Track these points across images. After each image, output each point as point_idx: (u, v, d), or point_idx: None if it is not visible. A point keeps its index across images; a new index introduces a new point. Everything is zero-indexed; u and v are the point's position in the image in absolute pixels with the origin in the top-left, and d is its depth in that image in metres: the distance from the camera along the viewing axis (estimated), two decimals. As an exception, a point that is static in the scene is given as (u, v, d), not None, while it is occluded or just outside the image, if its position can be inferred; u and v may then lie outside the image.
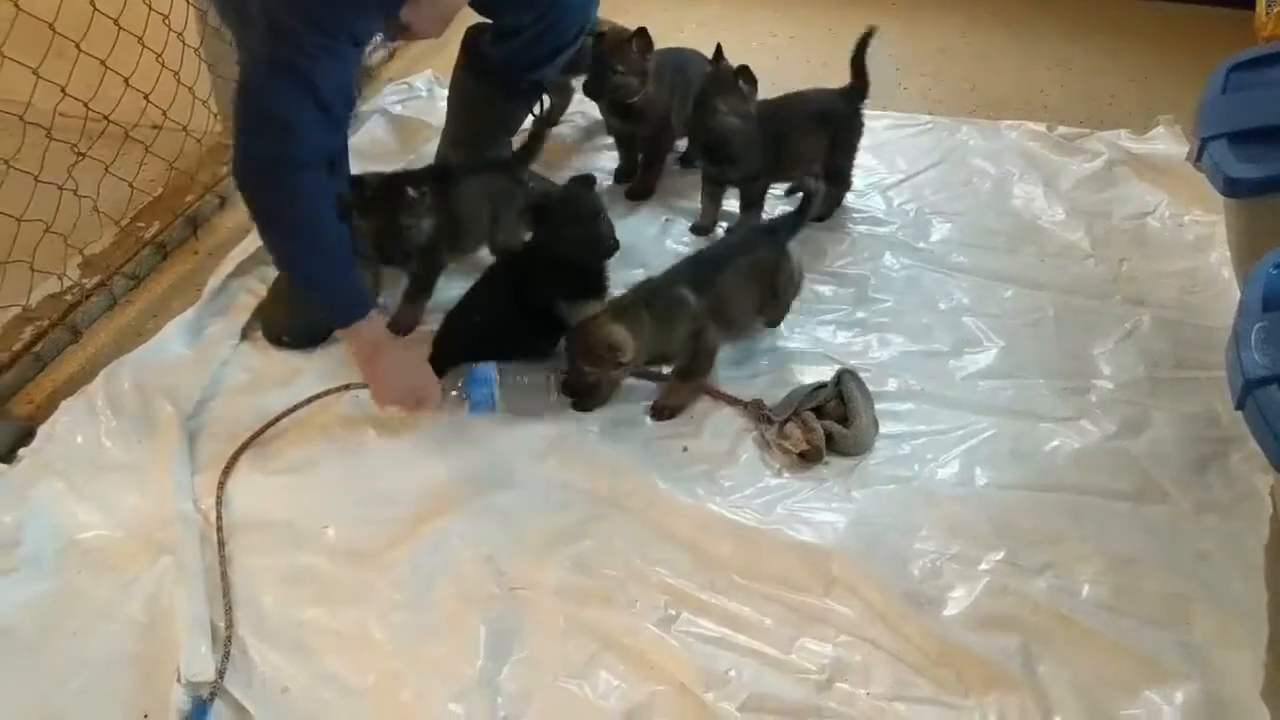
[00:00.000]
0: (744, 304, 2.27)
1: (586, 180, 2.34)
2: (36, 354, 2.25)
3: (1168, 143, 2.96)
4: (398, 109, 3.23)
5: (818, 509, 1.97)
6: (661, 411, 2.20)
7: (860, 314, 2.45)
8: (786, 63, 3.57)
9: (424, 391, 2.13)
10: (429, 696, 1.67)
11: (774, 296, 2.33)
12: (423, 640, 1.76)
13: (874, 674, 1.70)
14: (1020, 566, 1.86)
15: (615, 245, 2.27)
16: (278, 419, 2.15)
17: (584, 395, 2.18)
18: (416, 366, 2.16)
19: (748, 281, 2.25)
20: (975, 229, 2.75)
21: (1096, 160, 2.96)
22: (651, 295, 2.13)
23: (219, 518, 1.95)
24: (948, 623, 1.77)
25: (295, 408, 2.17)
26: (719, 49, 2.55)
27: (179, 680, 1.66)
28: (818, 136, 2.69)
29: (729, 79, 2.51)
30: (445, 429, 2.15)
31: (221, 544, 1.91)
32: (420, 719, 1.64)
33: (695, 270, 2.20)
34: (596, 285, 2.29)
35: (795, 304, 2.40)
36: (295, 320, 2.34)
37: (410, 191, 2.27)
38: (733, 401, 2.21)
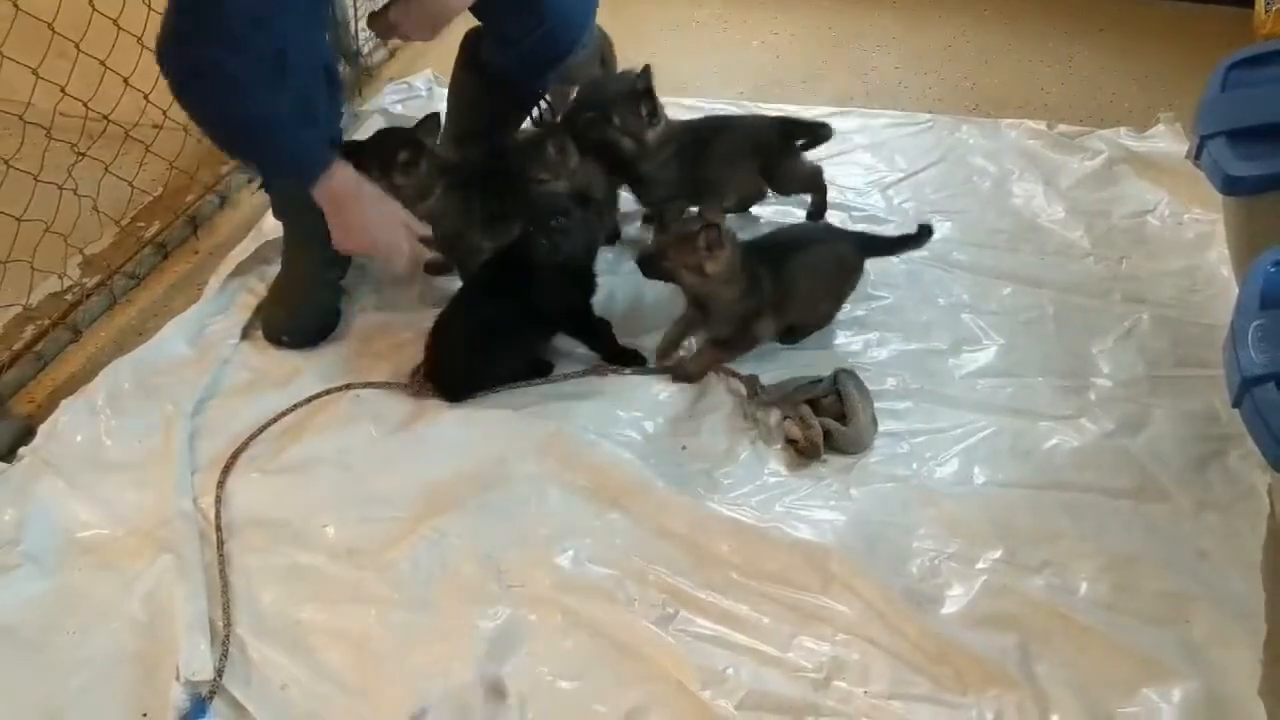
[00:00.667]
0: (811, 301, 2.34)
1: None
2: (37, 353, 2.25)
3: (1168, 140, 2.96)
4: (398, 108, 3.23)
5: (816, 507, 1.97)
6: (680, 372, 2.25)
7: (859, 311, 2.45)
8: (787, 61, 3.57)
9: (393, 248, 2.16)
10: (428, 695, 1.67)
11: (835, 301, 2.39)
12: (421, 639, 1.76)
13: (872, 672, 1.70)
14: (1019, 565, 1.86)
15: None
16: (278, 418, 2.15)
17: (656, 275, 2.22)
18: (393, 222, 2.16)
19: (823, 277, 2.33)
20: (975, 227, 2.75)
21: (1097, 158, 2.96)
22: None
23: (218, 516, 1.96)
24: (946, 621, 1.77)
25: (295, 407, 2.17)
26: (647, 69, 2.52)
27: (178, 679, 1.66)
28: (744, 165, 2.65)
29: (631, 99, 2.49)
30: (444, 428, 2.15)
31: (221, 543, 1.91)
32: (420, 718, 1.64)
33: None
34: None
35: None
36: (295, 319, 2.35)
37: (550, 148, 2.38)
38: (730, 374, 2.23)
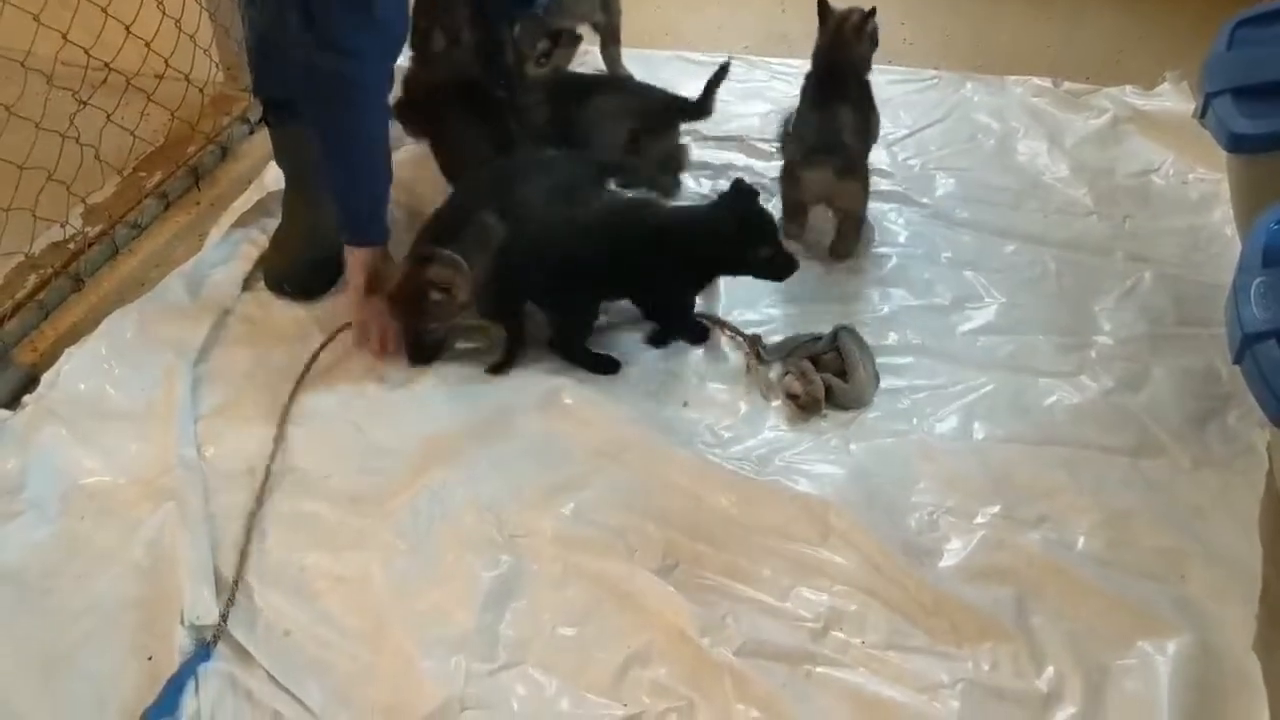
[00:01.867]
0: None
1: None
2: (40, 302, 2.25)
3: (1174, 99, 2.94)
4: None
5: (816, 461, 1.98)
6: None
7: (862, 269, 2.45)
8: (793, 14, 3.53)
9: (360, 332, 2.19)
10: (429, 641, 1.68)
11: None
12: (423, 586, 1.77)
13: (869, 623, 1.71)
14: (1016, 519, 1.87)
15: None
16: (313, 359, 2.20)
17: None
18: (373, 316, 2.17)
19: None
20: (978, 184, 2.74)
21: (1102, 117, 2.95)
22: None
23: (270, 463, 1.98)
24: (943, 574, 1.78)
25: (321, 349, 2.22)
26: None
27: (182, 623, 1.68)
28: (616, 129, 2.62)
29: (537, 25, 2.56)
30: (446, 381, 2.16)
31: (263, 492, 1.93)
32: (420, 663, 1.65)
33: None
34: None
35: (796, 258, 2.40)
36: (296, 268, 2.34)
37: None
38: (734, 332, 2.24)
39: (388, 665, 1.66)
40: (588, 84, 2.68)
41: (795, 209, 2.51)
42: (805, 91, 2.54)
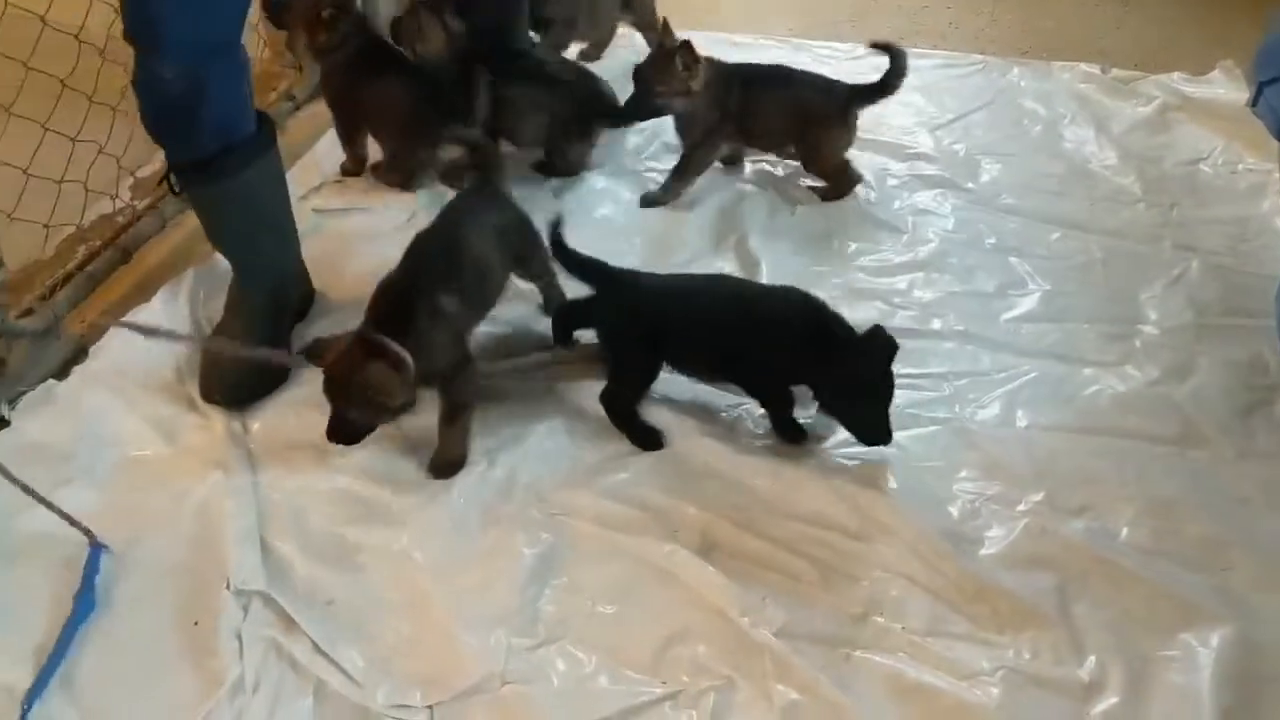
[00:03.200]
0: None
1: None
2: (89, 273, 2.27)
3: (1226, 87, 2.92)
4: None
5: (858, 447, 1.97)
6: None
7: (906, 254, 2.44)
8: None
9: None
10: (470, 616, 1.70)
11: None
12: (465, 562, 1.79)
13: (909, 609, 1.71)
14: (1059, 508, 1.86)
15: None
16: None
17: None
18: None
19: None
20: (1025, 171, 2.73)
21: (1150, 104, 2.93)
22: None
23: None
24: (985, 562, 1.78)
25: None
26: (665, 23, 2.56)
27: (228, 588, 1.71)
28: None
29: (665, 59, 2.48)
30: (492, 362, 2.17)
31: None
32: (461, 637, 1.67)
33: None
34: None
35: (841, 241, 2.40)
36: (232, 377, 2.07)
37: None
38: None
39: (429, 638, 1.68)
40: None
41: None
42: None
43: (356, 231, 2.53)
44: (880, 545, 1.80)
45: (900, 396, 2.06)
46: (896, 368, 2.08)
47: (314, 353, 1.86)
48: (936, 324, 2.25)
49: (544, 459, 1.97)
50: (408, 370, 1.80)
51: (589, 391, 2.08)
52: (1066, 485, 1.90)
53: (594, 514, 1.87)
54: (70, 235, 2.35)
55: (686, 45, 2.43)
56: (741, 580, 1.74)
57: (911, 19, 3.40)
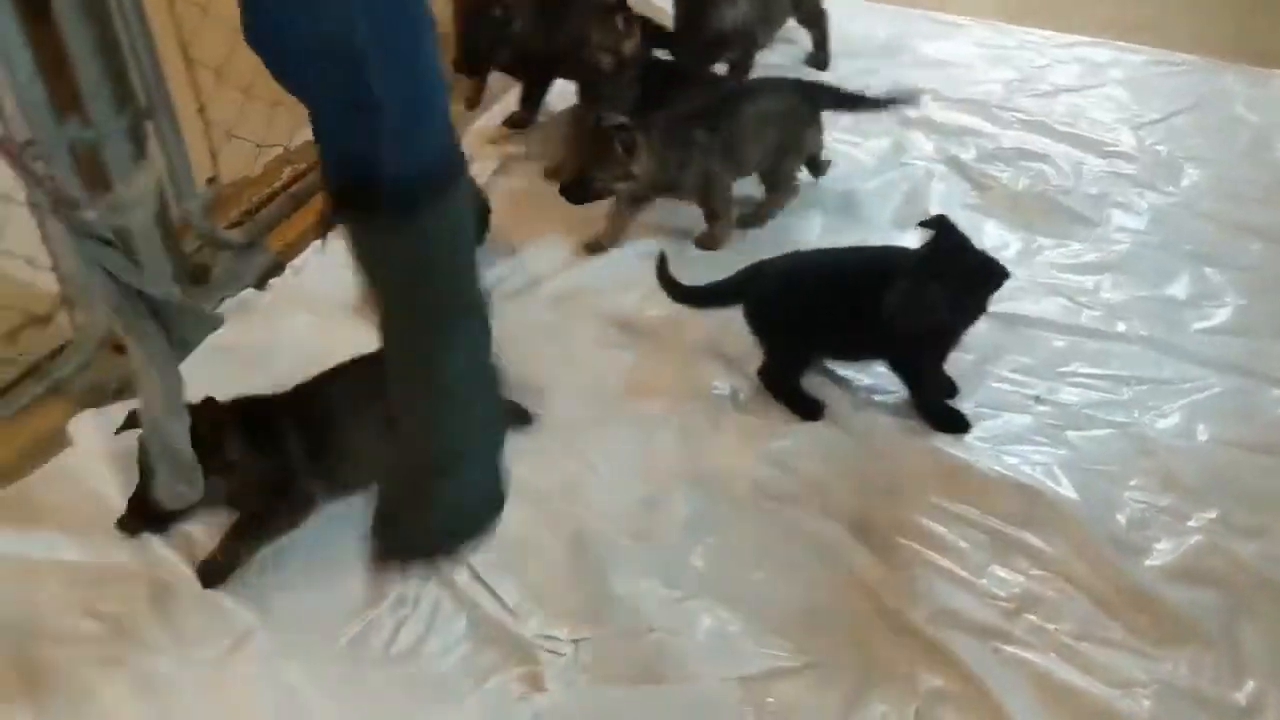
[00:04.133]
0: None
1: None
2: (293, 194, 2.37)
3: None
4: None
5: (1028, 443, 1.94)
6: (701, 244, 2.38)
7: (1096, 253, 2.38)
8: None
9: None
10: (623, 560, 1.74)
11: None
12: (621, 507, 1.83)
13: (1065, 611, 1.68)
14: (1232, 527, 1.80)
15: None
16: None
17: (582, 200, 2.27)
18: None
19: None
20: (1228, 178, 2.62)
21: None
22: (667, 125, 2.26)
23: None
24: (1149, 573, 1.73)
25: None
26: None
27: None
28: None
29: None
30: (661, 330, 2.19)
31: None
32: (612, 579, 1.71)
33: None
34: None
35: (1029, 233, 2.34)
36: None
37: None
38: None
39: (582, 577, 1.72)
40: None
41: None
42: None
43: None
44: (1041, 543, 1.77)
45: (1075, 395, 2.04)
46: (1074, 365, 2.04)
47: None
48: (1121, 326, 2.18)
49: (708, 418, 1.99)
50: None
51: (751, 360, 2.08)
52: (1243, 504, 1.83)
53: (752, 480, 1.88)
54: (278, 156, 2.46)
55: None
56: (894, 561, 1.74)
57: (1125, 10, 3.26)
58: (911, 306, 1.83)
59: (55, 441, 1.88)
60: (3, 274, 1.97)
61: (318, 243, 2.27)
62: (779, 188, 2.47)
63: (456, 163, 1.47)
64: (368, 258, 1.47)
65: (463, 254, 1.53)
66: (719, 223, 2.39)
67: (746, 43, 2.82)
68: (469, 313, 1.56)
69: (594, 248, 2.35)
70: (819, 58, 3.05)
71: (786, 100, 2.43)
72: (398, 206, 1.38)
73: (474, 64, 2.61)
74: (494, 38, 2.49)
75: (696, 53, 2.74)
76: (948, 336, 1.94)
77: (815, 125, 2.49)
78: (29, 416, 1.94)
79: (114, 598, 1.65)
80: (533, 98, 2.77)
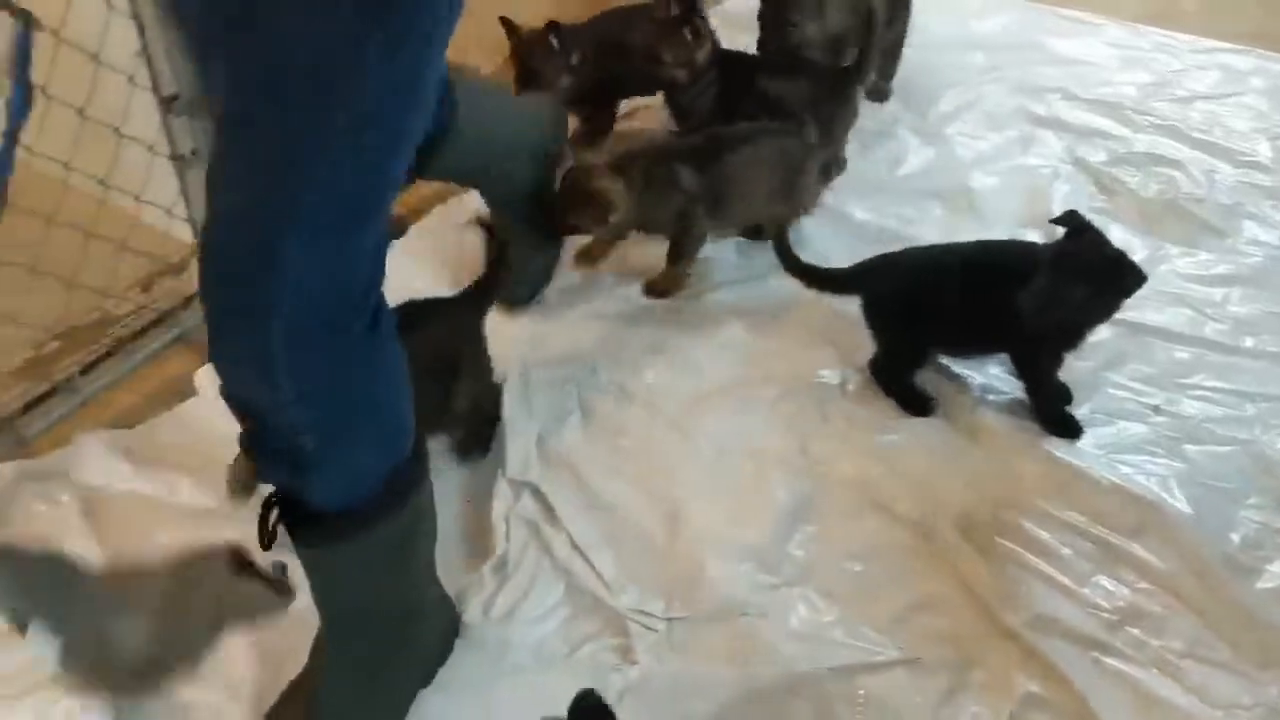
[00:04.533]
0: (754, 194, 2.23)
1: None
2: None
3: None
4: None
5: (1143, 453, 1.90)
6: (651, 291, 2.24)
7: (1225, 265, 2.31)
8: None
9: None
10: (721, 541, 1.74)
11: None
12: (722, 490, 1.83)
13: (1169, 627, 1.64)
14: (1353, 557, 1.74)
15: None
16: None
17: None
18: None
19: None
20: (1375, 191, 2.52)
21: None
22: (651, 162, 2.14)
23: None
24: (1260, 595, 1.68)
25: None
26: None
27: (503, 474, 1.82)
28: None
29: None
30: (772, 314, 2.19)
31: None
32: (709, 560, 1.72)
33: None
34: None
35: (1157, 240, 2.28)
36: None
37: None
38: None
39: (679, 556, 1.73)
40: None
41: None
42: None
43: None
44: (1150, 555, 1.73)
45: (1196, 408, 1.98)
46: (1197, 378, 1.98)
47: None
48: (1249, 342, 2.12)
49: (814, 406, 1.98)
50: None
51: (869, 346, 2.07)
52: (1366, 535, 1.77)
53: (855, 470, 1.87)
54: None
55: None
56: (998, 562, 1.72)
57: (1266, 17, 3.15)
58: (1050, 304, 1.79)
59: (181, 391, 1.96)
60: (142, 222, 2.04)
61: (441, 208, 2.32)
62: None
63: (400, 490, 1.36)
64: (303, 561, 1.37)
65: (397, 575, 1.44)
66: (681, 264, 2.26)
67: (839, 47, 2.63)
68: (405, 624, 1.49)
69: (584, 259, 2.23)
70: (880, 88, 2.83)
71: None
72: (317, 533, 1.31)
73: None
74: (554, 73, 2.42)
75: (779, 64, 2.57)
76: (1075, 337, 1.90)
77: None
78: (158, 363, 2.02)
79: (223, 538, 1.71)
80: (599, 122, 2.68)
